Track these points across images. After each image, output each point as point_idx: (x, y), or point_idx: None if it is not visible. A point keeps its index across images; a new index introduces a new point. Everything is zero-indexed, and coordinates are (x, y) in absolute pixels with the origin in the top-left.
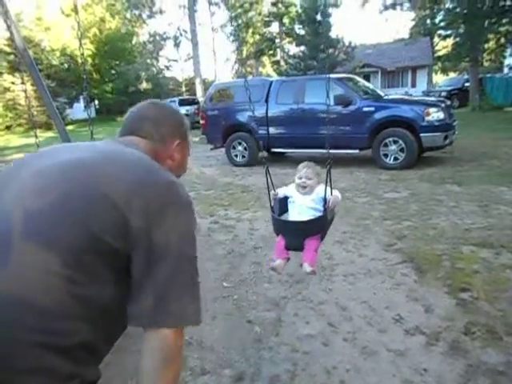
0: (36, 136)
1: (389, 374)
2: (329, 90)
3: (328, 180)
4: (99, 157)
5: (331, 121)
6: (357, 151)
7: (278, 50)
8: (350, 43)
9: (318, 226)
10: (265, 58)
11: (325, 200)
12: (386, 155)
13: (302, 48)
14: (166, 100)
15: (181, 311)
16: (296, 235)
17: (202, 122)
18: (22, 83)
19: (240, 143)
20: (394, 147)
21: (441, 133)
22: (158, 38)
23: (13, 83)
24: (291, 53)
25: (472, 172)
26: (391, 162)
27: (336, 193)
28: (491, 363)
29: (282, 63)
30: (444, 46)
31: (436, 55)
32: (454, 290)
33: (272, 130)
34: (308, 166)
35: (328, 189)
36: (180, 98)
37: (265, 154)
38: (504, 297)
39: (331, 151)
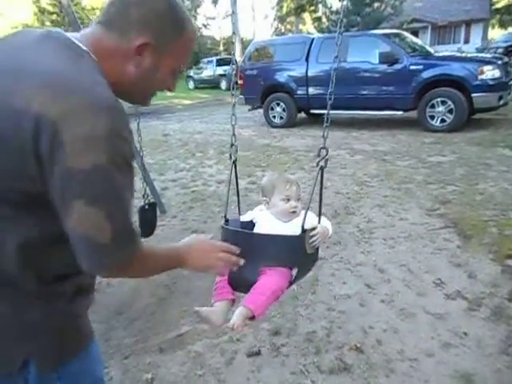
0: None
1: (427, 336)
2: (374, 47)
3: (317, 190)
4: None
5: (375, 80)
6: (400, 113)
7: (320, 5)
8: None
9: (290, 251)
10: (305, 15)
11: (303, 226)
12: (432, 117)
13: (345, 3)
14: (203, 60)
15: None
16: (253, 259)
17: (239, 82)
18: None
19: (278, 104)
20: (441, 108)
21: (495, 93)
22: None
23: None
24: (334, 8)
25: None
26: (438, 124)
27: (325, 221)
28: None
29: (324, 20)
30: None
31: (494, 8)
32: (500, 257)
33: (311, 90)
34: (293, 181)
35: (312, 214)
36: (218, 57)
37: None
38: None
39: (372, 112)
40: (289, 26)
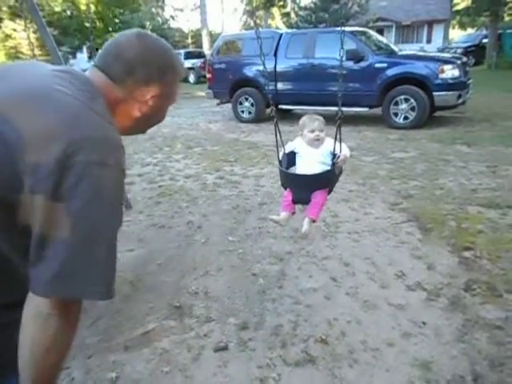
0: None
1: (388, 326)
2: (341, 44)
3: (337, 135)
4: (10, 95)
5: (341, 77)
6: (366, 109)
7: (289, 0)
8: None
9: (326, 180)
10: (274, 10)
11: (333, 155)
12: (395, 114)
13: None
14: None
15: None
16: (304, 189)
17: (208, 75)
18: (25, 30)
19: (247, 99)
20: (404, 106)
21: (454, 91)
22: None
23: (14, 30)
24: (302, 4)
25: (484, 132)
26: (401, 121)
27: (345, 148)
28: (489, 318)
29: (293, 15)
30: None
31: (454, 9)
32: (458, 249)
33: (280, 85)
34: (317, 118)
35: (337, 144)
36: (186, 50)
37: (273, 109)
38: (507, 256)
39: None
40: (258, 21)
